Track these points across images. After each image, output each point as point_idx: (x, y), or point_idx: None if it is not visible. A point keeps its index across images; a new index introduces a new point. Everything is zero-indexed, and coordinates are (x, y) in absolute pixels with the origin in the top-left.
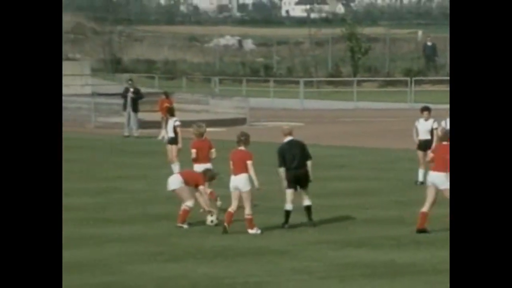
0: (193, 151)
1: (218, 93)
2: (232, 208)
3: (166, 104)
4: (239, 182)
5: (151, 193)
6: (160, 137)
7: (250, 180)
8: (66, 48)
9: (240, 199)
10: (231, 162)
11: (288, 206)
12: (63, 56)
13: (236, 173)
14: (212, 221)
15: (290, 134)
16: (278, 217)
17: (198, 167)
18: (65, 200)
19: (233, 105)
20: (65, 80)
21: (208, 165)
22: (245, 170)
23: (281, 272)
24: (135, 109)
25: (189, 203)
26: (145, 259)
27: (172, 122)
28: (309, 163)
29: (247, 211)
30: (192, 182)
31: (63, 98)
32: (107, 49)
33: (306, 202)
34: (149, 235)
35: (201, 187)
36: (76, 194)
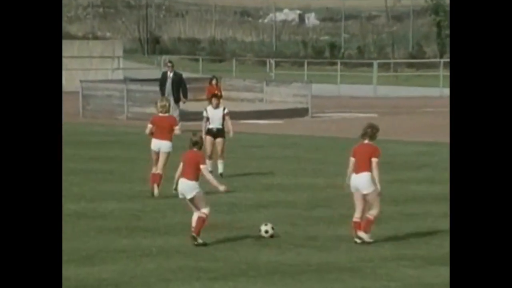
0: (149, 126)
1: (274, 79)
2: (356, 217)
3: (216, 92)
4: (359, 182)
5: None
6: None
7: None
8: (94, 25)
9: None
10: (352, 159)
11: None
12: (91, 35)
13: (357, 172)
14: (266, 232)
15: None
16: (346, 227)
17: (155, 143)
18: (93, 206)
19: (292, 93)
20: (93, 63)
21: (167, 143)
22: (369, 168)
23: None
24: (176, 98)
25: (205, 210)
26: (188, 276)
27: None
28: None
29: (373, 212)
30: (197, 166)
31: (91, 84)
32: (142, 26)
33: None
34: (192, 248)
35: (202, 166)
36: (105, 199)
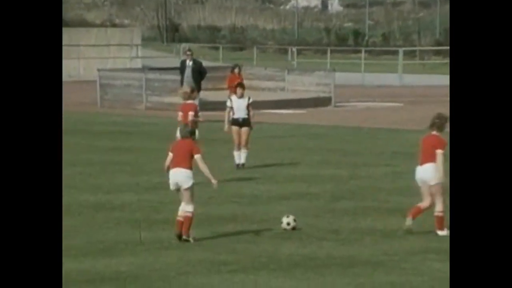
0: (180, 113)
1: (296, 67)
2: (423, 205)
3: (238, 81)
4: (424, 173)
5: (213, 190)
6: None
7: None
8: (112, 12)
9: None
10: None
11: None
12: (109, 22)
13: (422, 163)
14: (288, 224)
15: None
16: (370, 219)
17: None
18: (111, 197)
19: (315, 82)
20: (110, 52)
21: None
22: (433, 160)
23: None
24: (197, 87)
25: (191, 208)
26: (207, 269)
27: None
28: None
29: (439, 207)
30: (189, 154)
31: (109, 73)
32: (161, 14)
33: None
34: (212, 241)
35: (197, 156)
36: (123, 190)
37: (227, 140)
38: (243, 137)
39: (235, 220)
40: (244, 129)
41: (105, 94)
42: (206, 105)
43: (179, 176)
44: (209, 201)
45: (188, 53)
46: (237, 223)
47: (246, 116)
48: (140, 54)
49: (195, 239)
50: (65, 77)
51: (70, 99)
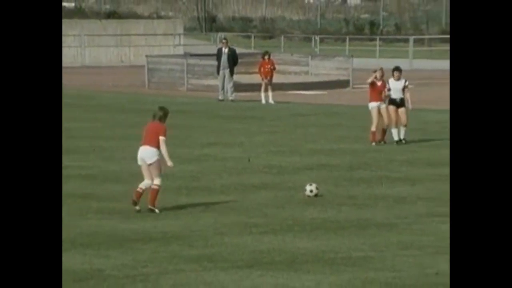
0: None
1: (319, 53)
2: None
3: (268, 66)
4: None
5: (247, 161)
6: (263, 101)
7: None
8: (158, 6)
9: None
10: None
11: None
12: (156, 14)
13: None
14: (311, 191)
15: None
16: (384, 187)
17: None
18: None
19: (335, 66)
20: (157, 40)
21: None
22: None
23: (387, 247)
24: (231, 71)
25: (158, 181)
26: (240, 231)
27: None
28: None
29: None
30: (158, 135)
31: (155, 59)
32: (201, 6)
33: None
34: (244, 206)
35: (162, 138)
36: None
37: (259, 118)
38: (402, 116)
39: (265, 188)
40: (402, 109)
41: (152, 77)
42: (239, 87)
43: (145, 153)
44: (242, 172)
45: (224, 41)
46: (267, 190)
47: (403, 97)
48: (182, 42)
49: (160, 210)
50: (118, 62)
51: (122, 82)
